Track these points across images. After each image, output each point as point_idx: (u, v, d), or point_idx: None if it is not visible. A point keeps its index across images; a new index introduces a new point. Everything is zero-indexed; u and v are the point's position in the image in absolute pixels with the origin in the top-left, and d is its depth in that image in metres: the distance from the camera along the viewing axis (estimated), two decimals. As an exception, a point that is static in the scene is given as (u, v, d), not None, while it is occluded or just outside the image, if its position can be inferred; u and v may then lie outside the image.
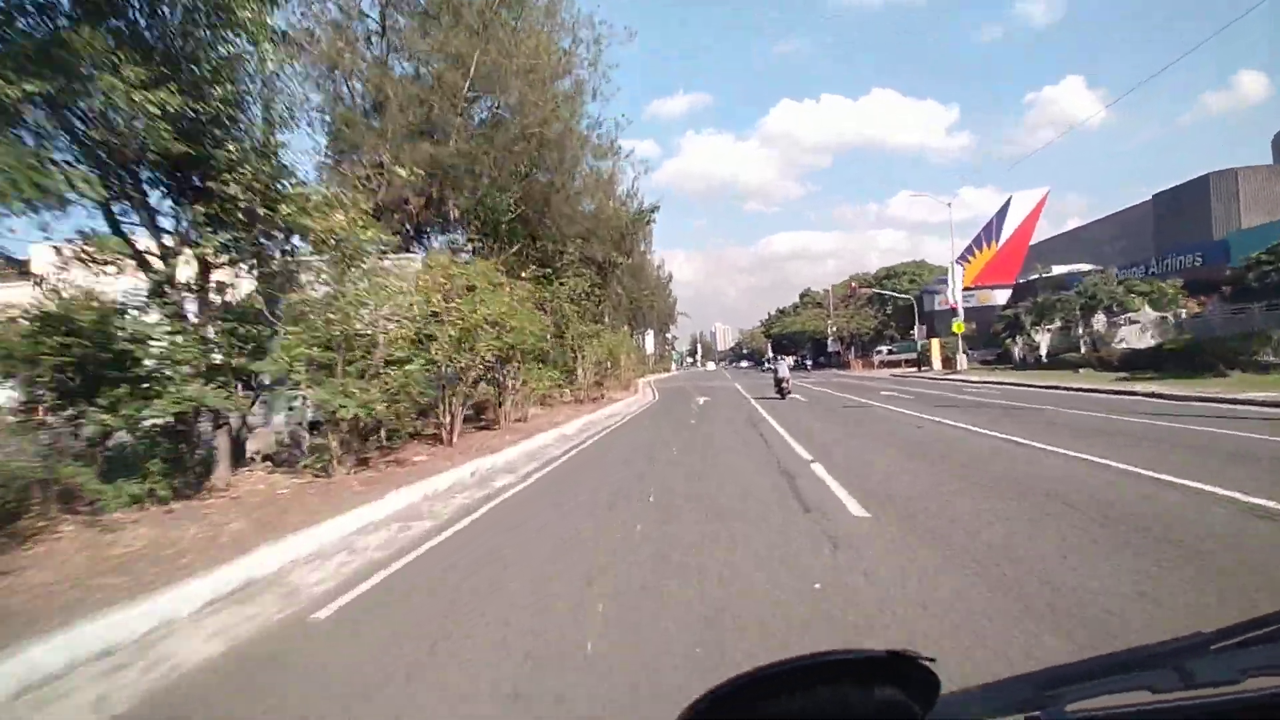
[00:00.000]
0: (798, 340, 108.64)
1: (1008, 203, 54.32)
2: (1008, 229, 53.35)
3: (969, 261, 55.46)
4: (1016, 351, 31.87)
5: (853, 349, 75.97)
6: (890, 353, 56.64)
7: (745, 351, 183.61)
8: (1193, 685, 0.76)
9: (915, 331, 45.88)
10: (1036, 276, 52.79)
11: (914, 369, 45.48)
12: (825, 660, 0.66)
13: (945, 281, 58.69)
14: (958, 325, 30.83)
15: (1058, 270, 53.29)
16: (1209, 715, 0.78)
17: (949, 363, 35.17)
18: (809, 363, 69.28)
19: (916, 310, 54.27)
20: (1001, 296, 52.00)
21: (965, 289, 56.58)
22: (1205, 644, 0.82)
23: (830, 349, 73.90)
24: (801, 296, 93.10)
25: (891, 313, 62.90)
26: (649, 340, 66.59)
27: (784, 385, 24.09)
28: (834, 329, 71.50)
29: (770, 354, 27.71)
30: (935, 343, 35.23)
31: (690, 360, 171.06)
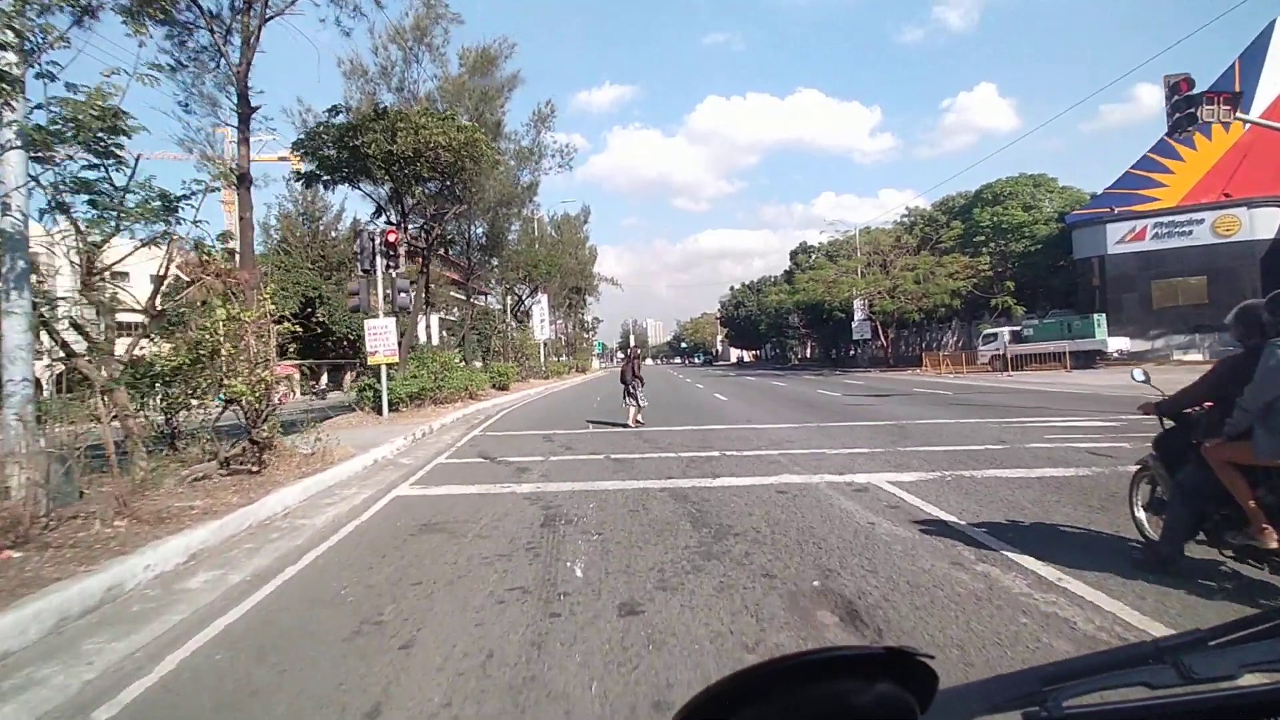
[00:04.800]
0: (779, 324, 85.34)
1: (1265, 36, 31.33)
2: (1271, 84, 30.55)
3: (1166, 166, 32.44)
4: None
5: (900, 332, 52.11)
6: (1021, 335, 32.64)
7: (684, 346, 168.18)
8: (1190, 681, 0.81)
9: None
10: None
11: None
12: (822, 657, 0.70)
13: (1113, 202, 35.52)
14: None
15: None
16: (1206, 711, 0.84)
17: None
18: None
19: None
20: (1265, 224, 29.27)
21: (1168, 210, 33.65)
22: (1203, 640, 0.88)
23: (858, 335, 49.83)
24: (794, 255, 69.21)
25: (1005, 268, 38.86)
26: (539, 314, 39.92)
27: None
28: (864, 302, 47.10)
29: None
30: None
31: (622, 356, 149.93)
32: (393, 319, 13.69)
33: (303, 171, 14.91)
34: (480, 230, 26.79)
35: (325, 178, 14.97)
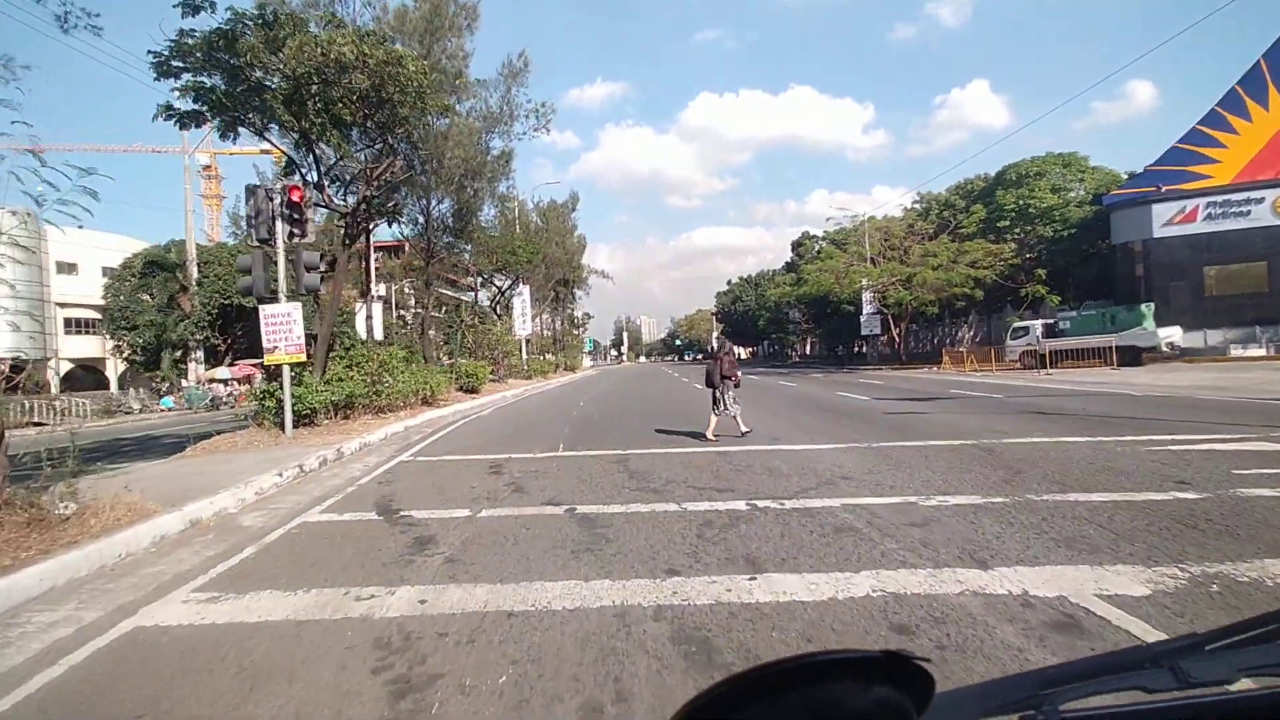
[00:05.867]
0: (779, 319, 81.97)
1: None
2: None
3: (1217, 140, 29.46)
4: None
5: (909, 327, 49.41)
6: (1055, 329, 29.64)
7: (679, 343, 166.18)
8: (1187, 685, 0.81)
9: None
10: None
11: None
12: (818, 660, 0.70)
13: (1158, 180, 32.24)
14: None
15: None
16: (1203, 715, 0.84)
17: None
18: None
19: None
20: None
21: (1222, 188, 30.67)
22: (1200, 644, 0.87)
23: (866, 329, 46.79)
24: (797, 246, 65.92)
25: (1032, 255, 35.78)
26: (520, 307, 36.64)
27: None
28: (872, 295, 44.02)
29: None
30: None
31: (615, 354, 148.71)
32: (297, 305, 10.40)
33: (173, 108, 11.40)
34: (445, 205, 23.30)
35: (211, 119, 11.54)
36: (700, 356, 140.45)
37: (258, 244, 10.50)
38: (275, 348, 10.28)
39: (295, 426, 10.86)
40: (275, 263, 10.41)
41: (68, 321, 48.11)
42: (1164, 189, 29.68)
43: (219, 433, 11.25)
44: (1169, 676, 0.81)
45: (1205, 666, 0.82)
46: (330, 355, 13.32)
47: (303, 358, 10.51)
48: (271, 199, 10.25)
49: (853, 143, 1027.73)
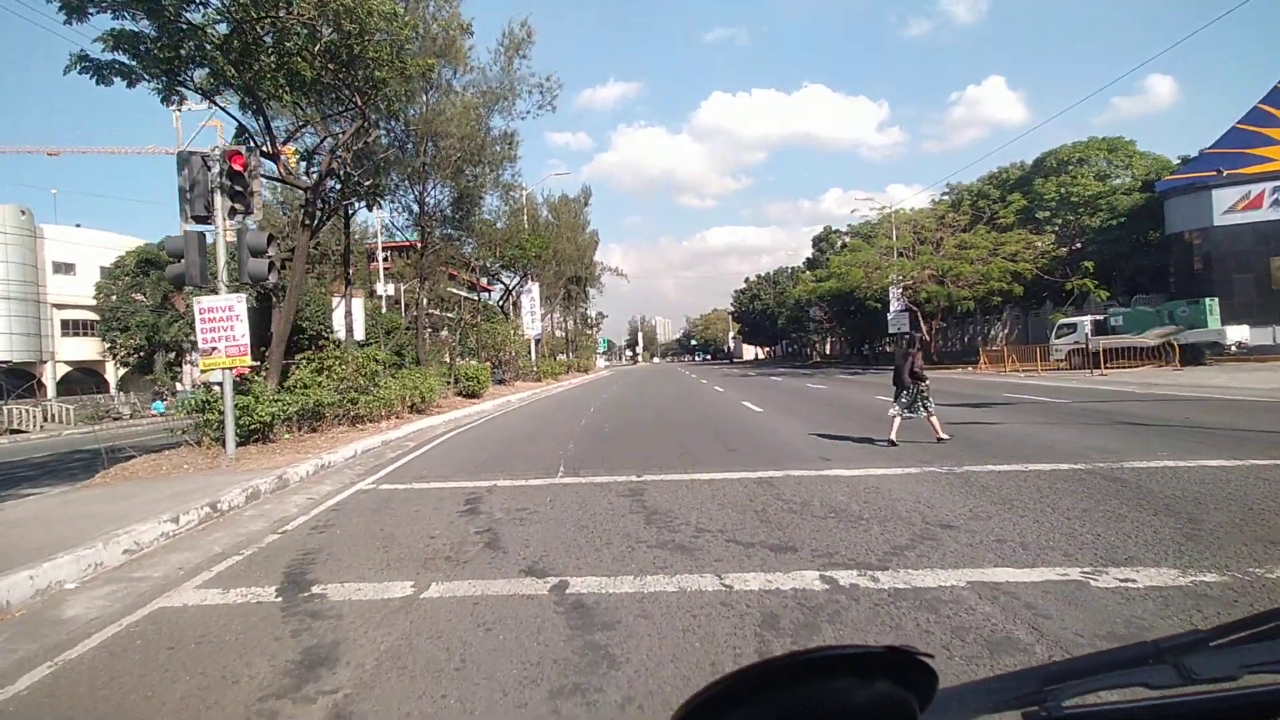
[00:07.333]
0: (799, 317, 79.63)
1: None
2: None
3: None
4: None
5: (940, 322, 47.17)
6: (1107, 325, 27.41)
7: (694, 343, 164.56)
8: (1191, 681, 0.80)
9: None
10: None
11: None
12: (820, 656, 0.69)
13: (1218, 164, 29.99)
14: None
15: None
16: (1206, 711, 0.83)
17: None
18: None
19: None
20: None
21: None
22: (1204, 640, 0.86)
23: (894, 327, 44.51)
24: (819, 242, 63.64)
25: (1075, 246, 33.51)
26: (529, 305, 34.83)
27: None
28: (900, 291, 41.74)
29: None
30: None
31: (630, 354, 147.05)
32: (240, 297, 8.61)
33: (89, 58, 9.53)
34: (443, 192, 21.41)
35: (147, 78, 9.68)
36: (710, 357, 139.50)
37: (193, 221, 8.76)
38: (213, 349, 8.48)
39: (245, 443, 9.11)
40: (216, 247, 8.65)
41: (65, 323, 47.05)
42: (1225, 173, 27.32)
43: (129, 458, 9.46)
44: (1172, 673, 0.80)
45: (1209, 663, 0.81)
46: (299, 356, 11.57)
47: (247, 360, 8.73)
48: (209, 168, 8.48)
49: (867, 140, 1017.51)
